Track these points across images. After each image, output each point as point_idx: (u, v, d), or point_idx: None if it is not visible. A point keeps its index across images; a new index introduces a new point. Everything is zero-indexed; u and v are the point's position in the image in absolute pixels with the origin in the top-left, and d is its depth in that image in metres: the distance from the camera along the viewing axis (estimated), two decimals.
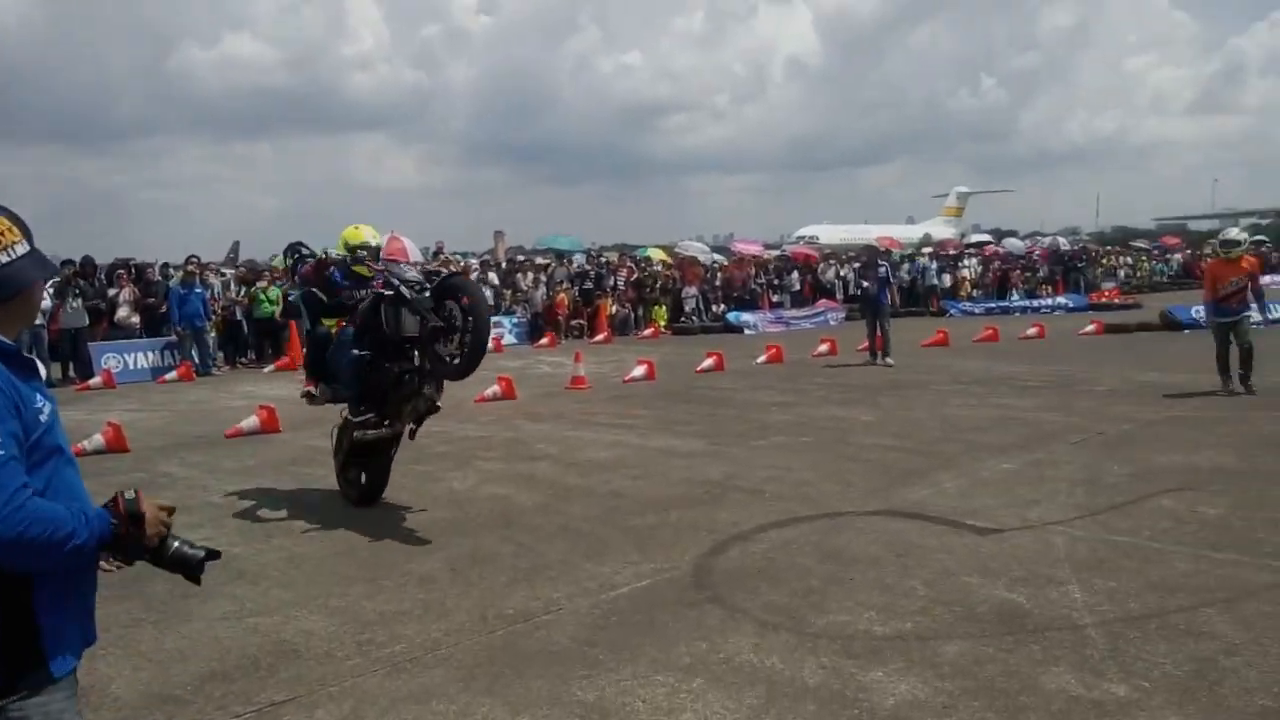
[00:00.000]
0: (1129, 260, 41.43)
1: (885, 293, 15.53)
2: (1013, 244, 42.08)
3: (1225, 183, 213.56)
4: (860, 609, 4.64)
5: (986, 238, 48.82)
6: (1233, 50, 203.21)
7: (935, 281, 30.59)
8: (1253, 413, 9.81)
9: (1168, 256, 44.81)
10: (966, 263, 33.09)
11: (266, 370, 16.34)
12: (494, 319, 20.62)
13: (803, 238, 48.52)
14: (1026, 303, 29.48)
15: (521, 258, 28.21)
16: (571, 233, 30.78)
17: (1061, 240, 44.31)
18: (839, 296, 29.11)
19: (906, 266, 30.64)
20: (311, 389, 7.09)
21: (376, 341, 6.42)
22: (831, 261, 31.98)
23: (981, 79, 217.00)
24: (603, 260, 27.11)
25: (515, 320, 21.17)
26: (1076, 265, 35.69)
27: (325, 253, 7.01)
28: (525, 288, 22.19)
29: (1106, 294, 31.73)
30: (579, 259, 26.82)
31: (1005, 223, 77.15)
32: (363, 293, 6.67)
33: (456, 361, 6.06)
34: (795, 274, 29.83)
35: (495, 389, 12.13)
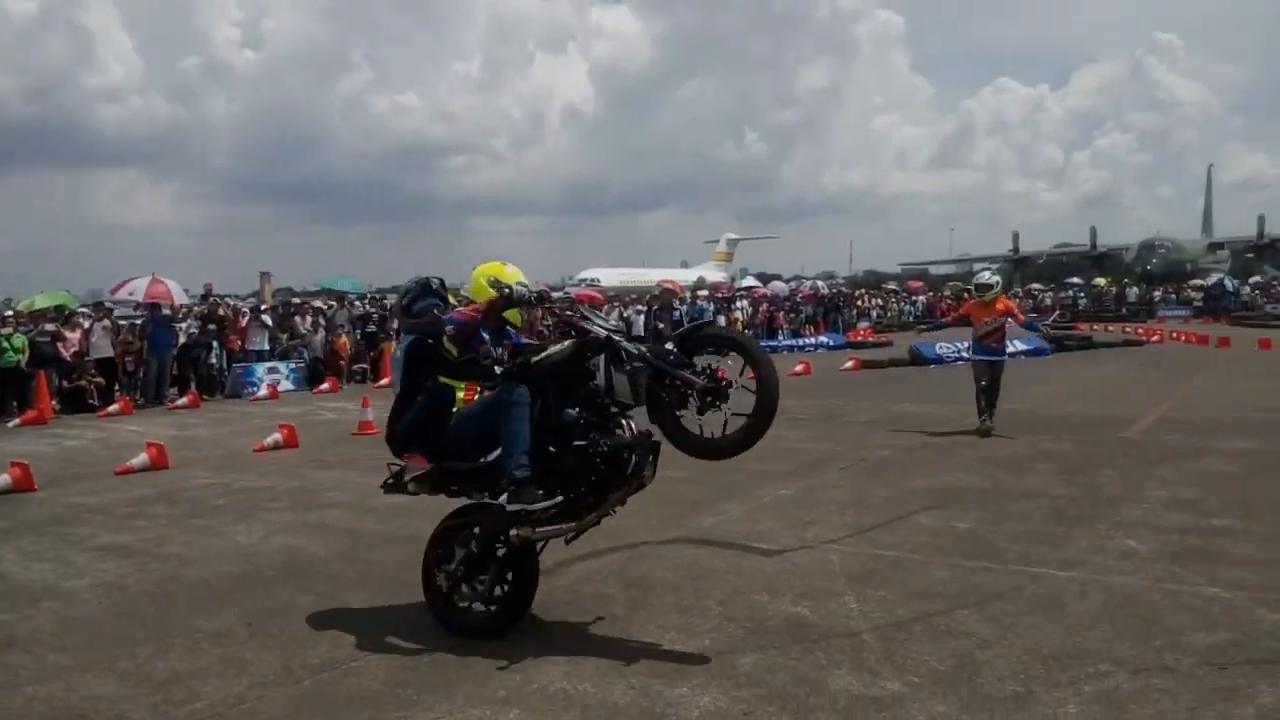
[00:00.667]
0: (879, 301, 44.86)
1: None
2: (778, 286, 44.74)
3: (960, 231, 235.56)
4: (662, 631, 4.90)
5: (755, 281, 51.60)
6: (964, 112, 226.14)
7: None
8: (992, 438, 10.97)
9: (913, 298, 48.88)
10: (739, 304, 34.82)
11: (11, 425, 14.93)
12: (271, 364, 19.95)
13: (584, 280, 49.50)
14: (793, 341, 31.36)
15: (296, 299, 27.11)
16: (351, 274, 29.85)
17: (820, 284, 47.47)
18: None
19: (685, 308, 31.93)
20: (405, 474, 5.00)
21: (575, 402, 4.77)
22: (615, 303, 32.77)
23: (746, 132, 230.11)
24: (385, 302, 26.55)
25: (292, 365, 20.36)
26: (835, 306, 38.34)
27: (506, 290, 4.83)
28: (304, 331, 21.39)
29: (862, 333, 34.27)
30: (359, 301, 26.15)
31: (770, 267, 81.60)
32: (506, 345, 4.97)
33: (739, 433, 4.62)
34: None
35: (276, 437, 11.67)
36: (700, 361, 4.70)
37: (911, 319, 44.00)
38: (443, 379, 4.99)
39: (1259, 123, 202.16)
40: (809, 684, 4.17)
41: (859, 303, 42.41)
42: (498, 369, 4.86)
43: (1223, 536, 6.35)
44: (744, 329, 32.94)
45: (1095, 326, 35.66)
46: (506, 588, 4.94)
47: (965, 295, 12.27)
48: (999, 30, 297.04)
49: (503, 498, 4.65)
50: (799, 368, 20.69)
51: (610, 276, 52.12)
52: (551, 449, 4.74)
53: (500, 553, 4.87)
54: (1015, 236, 71.72)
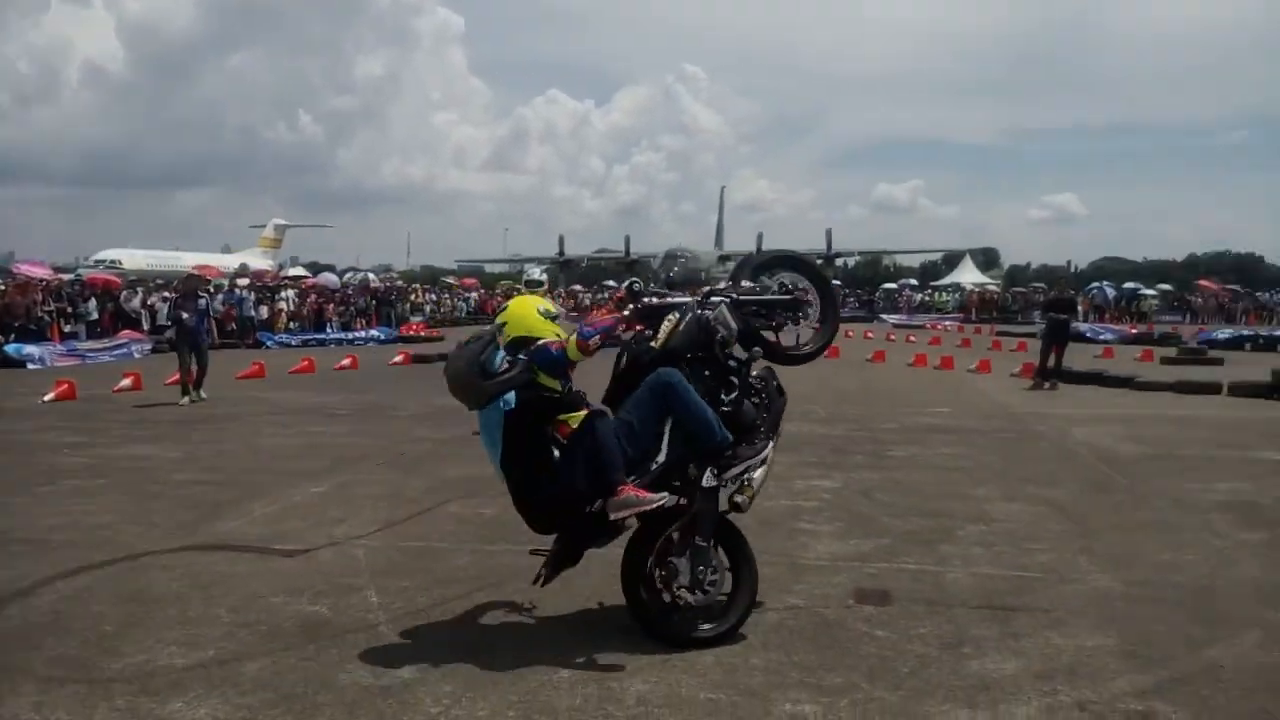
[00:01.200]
0: (434, 296, 45.17)
1: (204, 324, 14.96)
2: (328, 278, 43.27)
3: (514, 232, 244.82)
4: (160, 646, 4.55)
5: (304, 271, 49.42)
6: (519, 118, 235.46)
7: (252, 313, 30.15)
8: None
9: (467, 295, 49.85)
10: (284, 295, 33.14)
11: None
12: None
13: (103, 262, 44.06)
14: (342, 335, 30.55)
15: None
16: None
17: (372, 276, 46.74)
18: (145, 327, 27.15)
19: (221, 297, 29.71)
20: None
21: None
22: (137, 289, 29.64)
23: (300, 115, 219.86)
24: None
25: None
26: (389, 300, 37.96)
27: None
28: None
29: (415, 327, 34.32)
30: None
31: (323, 256, 78.87)
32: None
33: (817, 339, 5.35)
34: (93, 301, 27.05)
35: None
36: (774, 281, 5.24)
37: (464, 314, 44.93)
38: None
39: (762, 152, 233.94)
40: (318, 682, 4.11)
41: (413, 297, 42.38)
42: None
43: None
44: (289, 321, 31.49)
45: None
46: (729, 567, 4.64)
47: (515, 292, 12.59)
48: (552, 43, 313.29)
49: (705, 477, 4.49)
50: (346, 361, 20.24)
51: (135, 259, 46.90)
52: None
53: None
54: (561, 240, 75.97)
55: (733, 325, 4.87)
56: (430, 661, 4.32)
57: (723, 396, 4.80)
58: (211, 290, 26.76)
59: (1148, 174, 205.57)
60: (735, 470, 4.60)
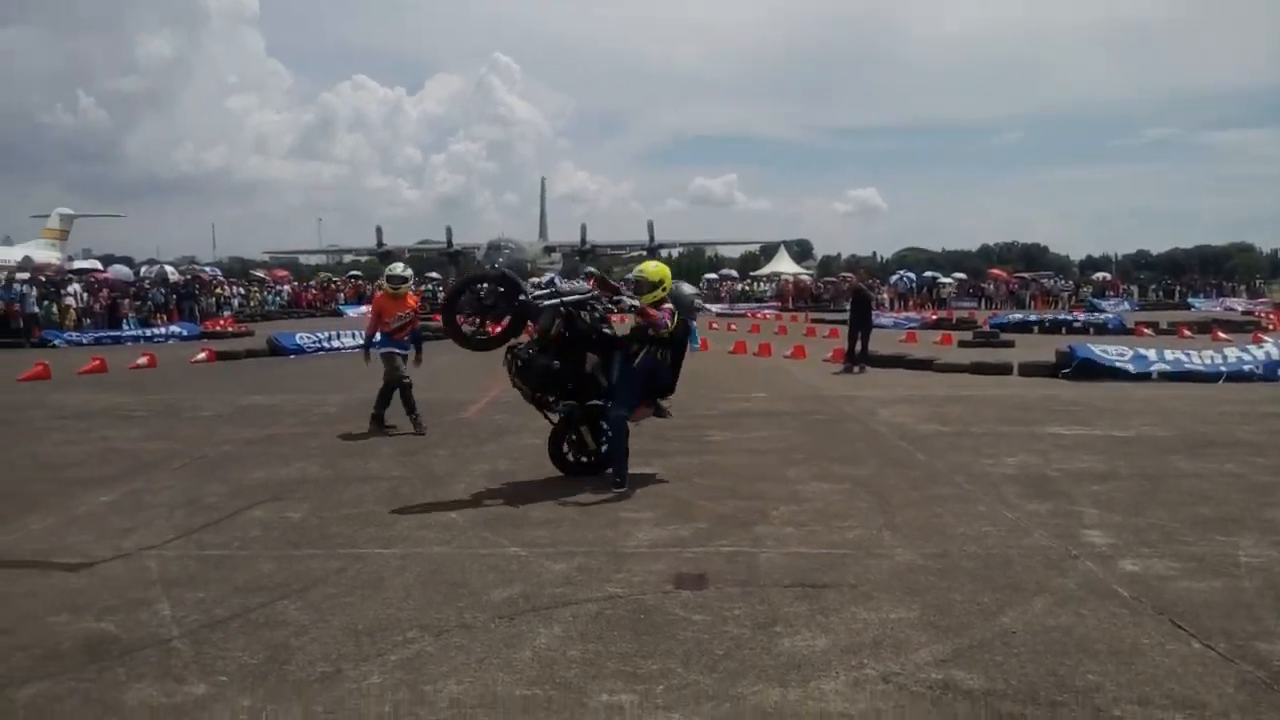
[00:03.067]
0: (241, 290, 42.98)
1: None
2: (121, 270, 40.42)
3: (328, 222, 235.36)
4: None
5: (95, 264, 45.92)
6: (324, 104, 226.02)
7: (36, 309, 27.80)
8: (341, 426, 11.11)
9: (278, 288, 47.69)
10: (71, 289, 30.70)
11: None
12: None
13: None
14: (139, 332, 28.59)
15: None
16: None
17: (170, 269, 44.01)
18: None
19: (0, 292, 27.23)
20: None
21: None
22: None
23: (80, 96, 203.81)
24: None
25: None
26: (191, 294, 35.83)
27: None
28: None
29: (221, 322, 32.50)
30: None
31: (118, 249, 73.64)
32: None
33: None
34: None
35: None
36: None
37: (276, 308, 42.96)
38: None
39: (580, 145, 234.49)
40: (101, 704, 3.78)
41: (218, 290, 40.16)
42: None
43: (525, 502, 7.18)
44: (79, 317, 29.24)
45: None
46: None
47: (380, 289, 11.69)
48: (355, 28, 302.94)
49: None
50: (143, 360, 18.93)
51: None
52: None
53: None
54: (379, 231, 73.71)
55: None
56: (228, 675, 4.05)
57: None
58: None
59: (939, 170, 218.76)
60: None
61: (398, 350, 10.98)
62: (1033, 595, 5.02)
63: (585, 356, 7.81)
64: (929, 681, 3.94)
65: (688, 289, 8.27)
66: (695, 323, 8.15)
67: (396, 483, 7.91)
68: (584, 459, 8.09)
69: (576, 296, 7.92)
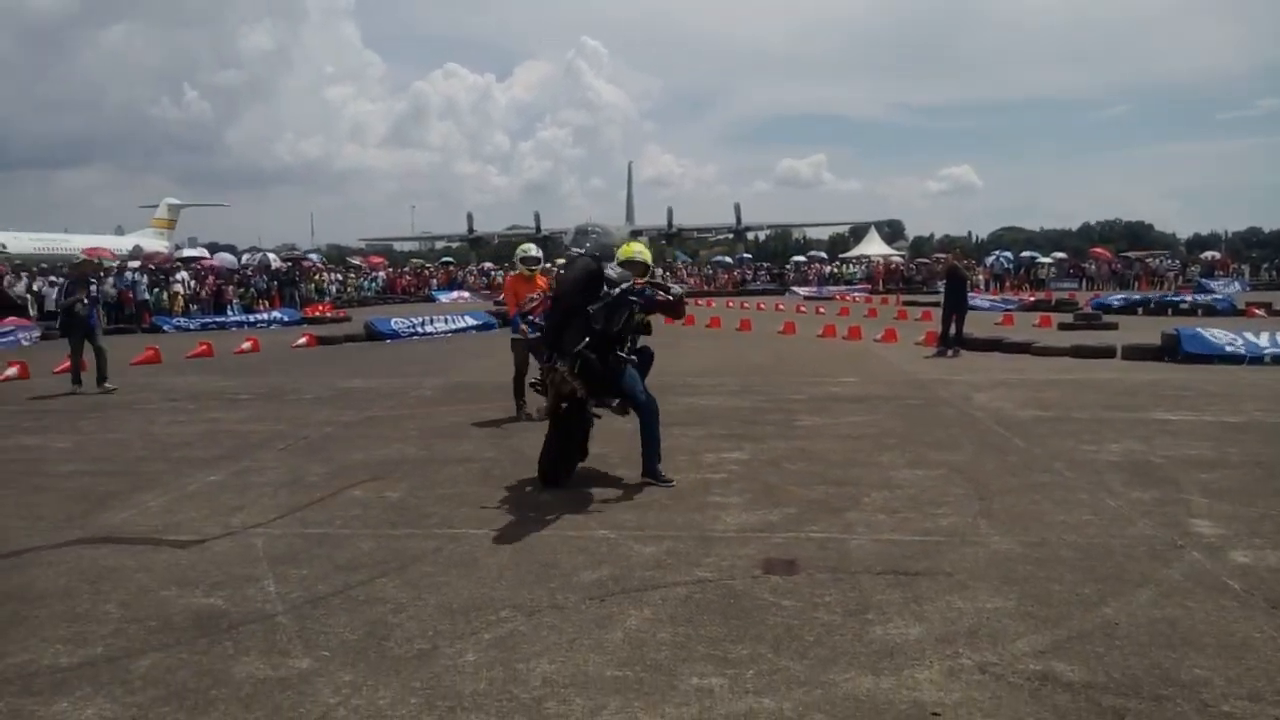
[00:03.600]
0: (339, 276, 44.15)
1: (95, 311, 14.31)
2: (225, 258, 41.93)
3: (421, 209, 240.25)
4: (45, 645, 4.32)
5: (201, 251, 47.77)
6: (416, 92, 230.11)
7: (146, 296, 29.05)
8: (436, 409, 11.36)
9: (374, 274, 48.85)
10: (179, 277, 32.00)
11: None
12: None
13: None
14: (243, 317, 29.64)
15: None
16: None
17: (273, 256, 45.46)
18: (33, 313, 25.95)
19: (113, 280, 28.53)
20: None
21: None
22: (21, 274, 28.26)
23: (185, 89, 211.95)
24: None
25: None
26: (292, 280, 36.95)
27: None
28: None
29: (320, 308, 33.48)
30: None
31: (222, 237, 76.45)
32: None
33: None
34: None
35: None
36: None
37: (371, 294, 44.03)
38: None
39: (666, 128, 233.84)
40: (212, 676, 3.95)
41: (317, 277, 41.33)
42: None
43: (614, 485, 7.24)
44: (186, 303, 30.44)
45: None
46: None
47: (510, 272, 11.31)
48: (446, 15, 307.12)
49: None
50: (246, 345, 19.64)
51: (20, 242, 44.76)
52: None
53: None
54: (470, 217, 75.18)
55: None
56: (330, 650, 4.19)
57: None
58: (101, 274, 25.69)
59: (1038, 147, 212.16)
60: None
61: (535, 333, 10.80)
62: (1136, 586, 4.85)
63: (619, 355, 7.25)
64: (1027, 673, 3.85)
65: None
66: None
67: (489, 464, 8.05)
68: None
69: (624, 285, 7.20)
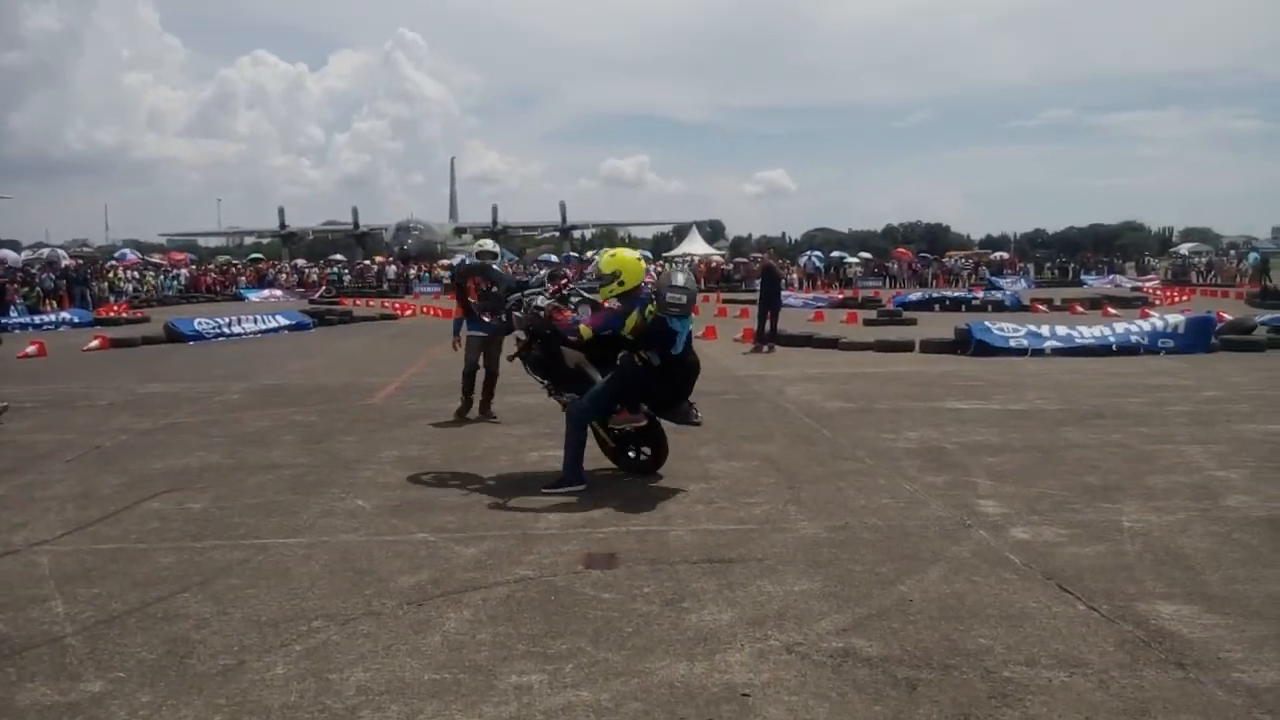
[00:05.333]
0: (137, 274, 41.50)
1: None
2: (7, 254, 38.58)
3: (228, 203, 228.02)
4: None
5: None
6: (223, 80, 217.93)
7: None
8: (244, 414, 10.85)
9: (176, 271, 46.13)
10: None
11: None
12: None
13: None
14: (28, 319, 27.36)
15: None
16: None
17: (62, 253, 42.24)
18: None
19: None
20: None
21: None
22: None
23: None
24: None
25: None
26: (83, 279, 34.41)
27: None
28: None
29: (115, 308, 31.31)
30: None
31: (5, 232, 70.19)
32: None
33: None
34: None
35: None
36: None
37: (174, 293, 41.58)
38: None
39: (490, 125, 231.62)
40: None
41: (110, 275, 38.64)
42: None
43: (435, 487, 7.14)
44: None
45: (358, 301, 37.52)
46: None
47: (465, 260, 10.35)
48: (252, 1, 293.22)
49: None
50: (31, 349, 18.12)
51: None
52: None
53: None
54: (281, 212, 71.96)
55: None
56: (125, 671, 3.95)
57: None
58: None
59: (847, 151, 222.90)
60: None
61: (482, 333, 10.40)
62: (929, 564, 5.20)
63: (561, 352, 7.31)
64: (830, 650, 4.07)
65: (680, 278, 6.96)
66: (687, 322, 7.03)
67: (302, 470, 7.77)
68: (631, 454, 7.55)
69: (531, 291, 7.58)
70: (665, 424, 7.47)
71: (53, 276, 33.62)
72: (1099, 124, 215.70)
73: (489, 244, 11.01)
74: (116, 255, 51.59)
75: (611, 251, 7.54)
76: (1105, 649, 4.07)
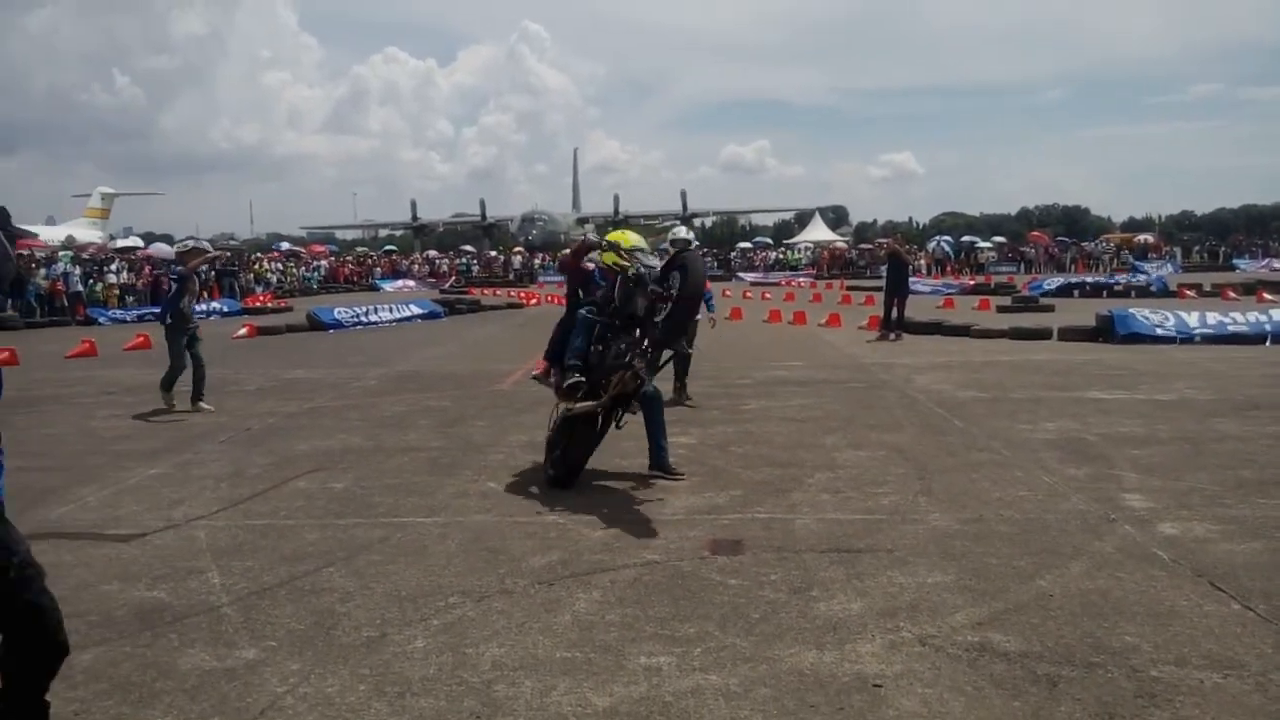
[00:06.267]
0: (279, 266, 43.43)
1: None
2: (161, 248, 40.93)
3: (363, 197, 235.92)
4: None
5: (136, 241, 46.60)
6: (356, 77, 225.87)
7: (80, 288, 28.34)
8: (381, 399, 11.27)
9: (316, 263, 48.13)
10: (113, 267, 31.23)
11: None
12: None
13: None
14: None
15: None
16: None
17: (209, 245, 44.51)
18: None
19: (44, 271, 27.79)
20: (541, 373, 7.35)
21: (608, 319, 6.69)
22: None
23: (115, 76, 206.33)
24: None
25: None
26: (231, 270, 36.25)
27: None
28: None
29: (261, 298, 32.92)
30: None
31: (158, 226, 74.86)
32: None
33: (660, 324, 6.28)
34: None
35: None
36: None
37: (314, 284, 43.40)
38: None
39: (611, 114, 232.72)
40: (156, 668, 3.91)
41: (256, 267, 40.61)
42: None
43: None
44: (122, 294, 29.76)
45: (485, 291, 38.44)
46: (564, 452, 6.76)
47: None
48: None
49: None
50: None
51: None
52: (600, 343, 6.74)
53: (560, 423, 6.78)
54: (413, 205, 74.26)
55: (623, 299, 6.70)
56: (276, 640, 4.17)
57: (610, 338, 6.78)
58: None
59: (976, 132, 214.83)
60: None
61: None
62: (1069, 559, 5.01)
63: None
64: (965, 644, 3.96)
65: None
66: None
67: (437, 453, 8.03)
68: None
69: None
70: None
71: (204, 268, 35.61)
72: (1251, 98, 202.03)
73: (681, 231, 10.56)
74: (274, 247, 54.17)
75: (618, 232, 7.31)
76: (1263, 650, 3.84)
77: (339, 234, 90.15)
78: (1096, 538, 5.35)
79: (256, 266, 40.66)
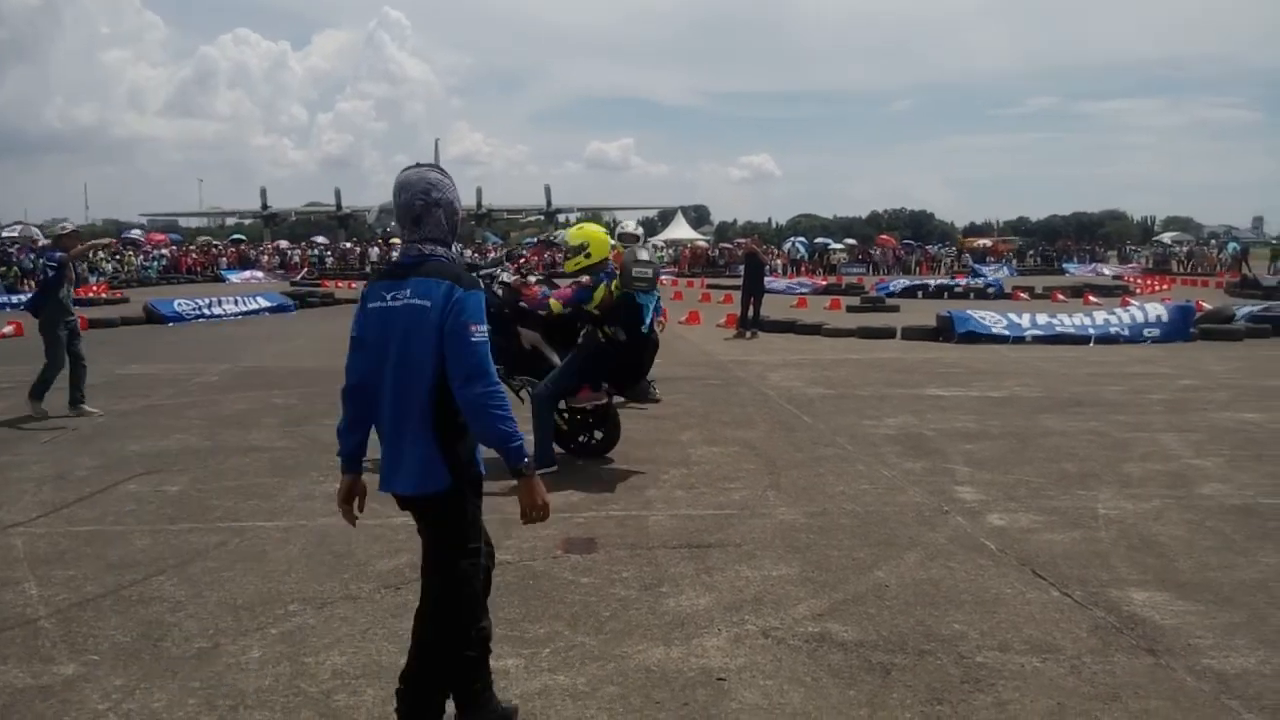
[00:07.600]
0: (118, 255, 41.09)
1: None
2: (30, 230, 38.11)
3: (210, 183, 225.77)
4: None
5: None
6: (204, 58, 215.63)
7: None
8: (223, 396, 10.78)
9: (156, 252, 45.73)
10: None
11: None
12: None
13: None
14: (4, 299, 27.10)
15: None
16: None
17: (37, 232, 41.70)
18: None
19: None
20: None
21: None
22: None
23: None
24: None
25: None
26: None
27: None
28: None
29: (94, 288, 31.04)
30: None
31: None
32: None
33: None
34: None
35: None
36: None
37: (153, 274, 41.25)
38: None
39: (475, 106, 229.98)
40: None
41: (91, 255, 38.18)
42: None
43: None
44: None
45: (340, 284, 37.29)
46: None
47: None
48: None
49: None
50: (8, 329, 17.93)
51: None
52: None
53: None
54: (264, 192, 71.41)
55: None
56: (99, 654, 3.93)
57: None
58: None
59: (832, 138, 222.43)
60: None
61: None
62: (905, 550, 5.24)
63: (518, 332, 7.35)
64: (806, 635, 4.09)
65: (643, 254, 7.10)
66: (653, 296, 7.10)
67: (281, 453, 7.73)
68: (582, 438, 7.60)
69: (485, 270, 7.58)
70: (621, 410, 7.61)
71: (31, 256, 33.23)
72: (1084, 112, 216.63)
73: (630, 225, 11.45)
74: (123, 235, 50.88)
75: (579, 225, 7.62)
76: (1078, 635, 4.10)
77: (183, 222, 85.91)
78: (931, 529, 5.61)
79: (90, 255, 38.23)
